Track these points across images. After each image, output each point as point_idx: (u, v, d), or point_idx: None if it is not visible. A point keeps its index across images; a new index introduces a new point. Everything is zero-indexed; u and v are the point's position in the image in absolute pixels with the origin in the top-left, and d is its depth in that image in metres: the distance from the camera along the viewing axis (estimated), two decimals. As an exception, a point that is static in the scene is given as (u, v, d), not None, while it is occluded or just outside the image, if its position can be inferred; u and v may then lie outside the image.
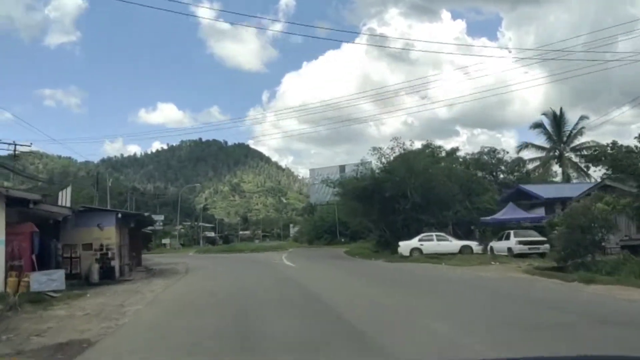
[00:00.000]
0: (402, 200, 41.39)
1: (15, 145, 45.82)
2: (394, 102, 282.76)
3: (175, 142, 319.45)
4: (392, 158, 45.32)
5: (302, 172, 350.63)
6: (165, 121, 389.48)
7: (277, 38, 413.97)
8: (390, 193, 41.74)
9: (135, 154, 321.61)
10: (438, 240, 37.05)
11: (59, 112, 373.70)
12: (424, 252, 35.90)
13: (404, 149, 45.58)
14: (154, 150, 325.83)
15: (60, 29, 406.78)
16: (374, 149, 47.08)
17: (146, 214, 41.65)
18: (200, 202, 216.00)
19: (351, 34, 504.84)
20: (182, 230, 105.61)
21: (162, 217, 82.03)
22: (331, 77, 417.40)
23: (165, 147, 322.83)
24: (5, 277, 18.04)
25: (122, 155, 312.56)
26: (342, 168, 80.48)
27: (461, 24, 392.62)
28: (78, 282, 23.17)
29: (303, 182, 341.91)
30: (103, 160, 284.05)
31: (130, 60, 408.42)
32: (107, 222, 26.61)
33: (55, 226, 25.11)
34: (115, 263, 26.45)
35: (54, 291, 18.43)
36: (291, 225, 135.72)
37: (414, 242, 37.39)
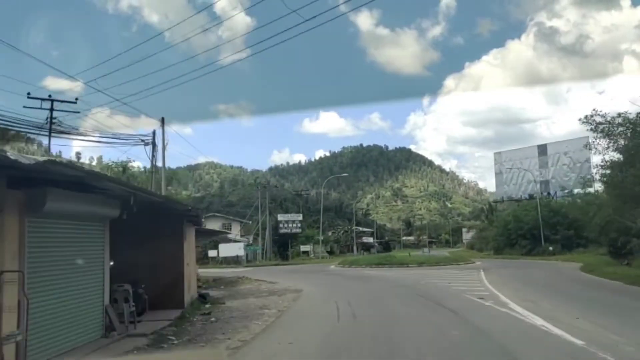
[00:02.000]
0: None
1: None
2: (566, 100, 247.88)
3: (337, 149, 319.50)
4: None
5: (467, 176, 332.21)
6: (327, 130, 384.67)
7: (438, 40, 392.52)
8: None
9: (300, 162, 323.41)
10: None
11: (232, 125, 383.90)
12: None
13: None
14: (317, 158, 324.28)
15: (232, 48, 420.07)
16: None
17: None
18: (362, 207, 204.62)
19: (517, 30, 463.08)
20: (333, 235, 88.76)
21: (299, 217, 65.68)
22: (496, 77, 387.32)
23: (327, 154, 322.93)
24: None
25: (288, 163, 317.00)
26: (542, 149, 59.21)
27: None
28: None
29: (469, 186, 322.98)
30: (270, 169, 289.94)
31: (293, 73, 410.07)
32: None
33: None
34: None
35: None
36: (464, 230, 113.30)
37: None
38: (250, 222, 70.62)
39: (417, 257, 49.32)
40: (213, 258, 62.46)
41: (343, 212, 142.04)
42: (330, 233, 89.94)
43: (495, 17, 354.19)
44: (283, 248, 66.92)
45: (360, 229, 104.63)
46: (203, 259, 64.16)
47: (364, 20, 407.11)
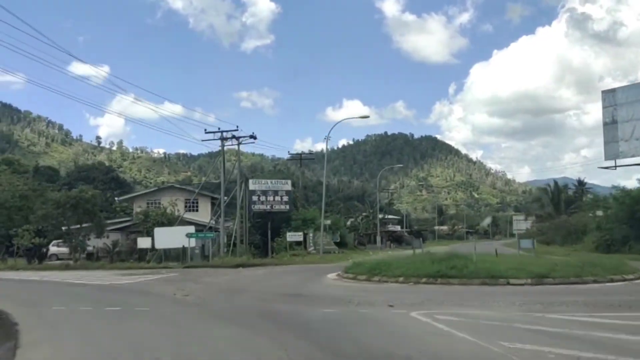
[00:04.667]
0: None
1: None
2: (598, 89, 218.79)
3: (360, 137, 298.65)
4: None
5: (493, 166, 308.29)
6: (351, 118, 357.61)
7: (466, 27, 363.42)
8: None
9: (322, 150, 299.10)
10: None
11: (255, 112, 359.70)
12: None
13: None
14: (339, 146, 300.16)
15: (256, 34, 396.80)
16: None
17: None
18: (385, 196, 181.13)
19: (548, 17, 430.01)
20: (354, 221, 62.24)
21: (286, 186, 38.08)
22: (525, 65, 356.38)
23: (351, 142, 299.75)
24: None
25: (310, 151, 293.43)
26: None
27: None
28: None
29: (496, 176, 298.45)
30: (292, 156, 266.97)
31: (317, 60, 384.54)
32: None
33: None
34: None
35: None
36: (516, 218, 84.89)
37: None
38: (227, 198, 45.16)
39: (508, 259, 22.81)
40: (146, 251, 37.11)
41: (365, 200, 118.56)
42: (349, 222, 64.20)
43: (525, 2, 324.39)
44: (267, 236, 41.01)
45: (386, 215, 78.24)
46: (125, 254, 38.69)
47: (390, 6, 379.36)
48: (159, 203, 47.05)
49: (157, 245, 36.03)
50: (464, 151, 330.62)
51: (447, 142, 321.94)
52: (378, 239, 58.99)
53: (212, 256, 36.74)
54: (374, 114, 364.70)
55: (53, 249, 44.19)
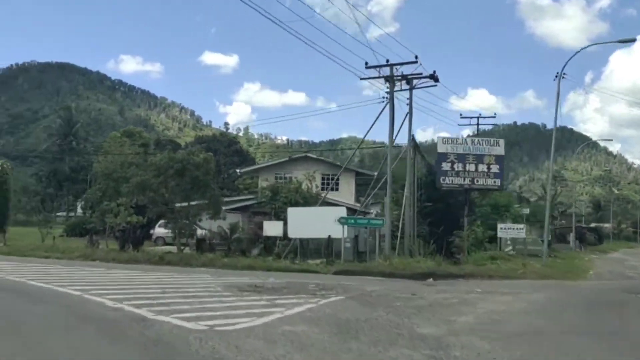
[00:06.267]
0: None
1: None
2: None
3: (487, 127, 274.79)
4: None
5: (635, 161, 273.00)
6: (476, 107, 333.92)
7: (606, 11, 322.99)
8: None
9: (426, 142, 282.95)
10: None
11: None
12: None
13: None
14: (464, 136, 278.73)
15: (380, 22, 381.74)
16: None
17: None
18: (515, 190, 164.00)
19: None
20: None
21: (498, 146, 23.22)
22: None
23: (476, 132, 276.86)
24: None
25: (432, 140, 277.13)
26: None
27: None
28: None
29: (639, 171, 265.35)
30: (397, 146, 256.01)
31: (442, 47, 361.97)
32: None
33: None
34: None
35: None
36: None
37: None
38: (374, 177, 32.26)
39: None
40: (274, 239, 25.11)
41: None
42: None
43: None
44: (445, 225, 27.12)
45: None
46: (245, 242, 26.92)
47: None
48: (290, 178, 35.20)
49: (292, 233, 23.73)
50: (602, 144, 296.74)
51: (585, 133, 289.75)
52: (572, 237, 43.03)
53: (369, 253, 23.69)
54: (500, 104, 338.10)
55: (159, 230, 33.73)
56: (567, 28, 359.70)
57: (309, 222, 23.36)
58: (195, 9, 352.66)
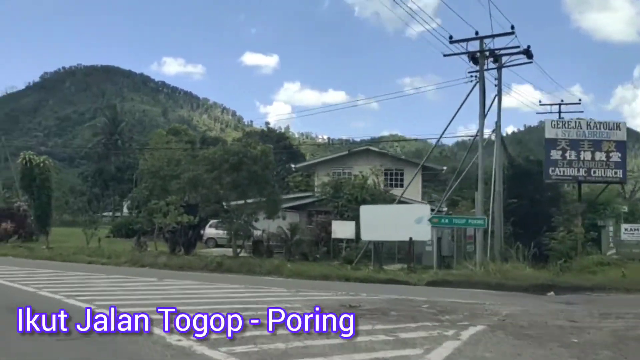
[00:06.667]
0: None
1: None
2: None
3: (532, 123, 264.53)
4: None
5: None
6: (518, 104, 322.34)
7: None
8: None
9: (490, 137, 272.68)
10: None
11: (417, 98, 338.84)
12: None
13: None
14: (509, 133, 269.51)
15: (422, 19, 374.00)
16: None
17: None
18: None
19: None
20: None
21: None
22: None
23: (521, 128, 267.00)
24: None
25: (506, 132, 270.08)
26: None
27: None
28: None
29: None
30: (457, 143, 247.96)
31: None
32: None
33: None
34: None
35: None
36: None
37: None
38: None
39: None
40: (339, 242, 21.95)
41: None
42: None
43: None
44: (530, 225, 23.29)
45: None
46: (306, 244, 23.86)
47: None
48: (349, 173, 31.94)
49: (365, 235, 20.45)
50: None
51: (635, 129, 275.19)
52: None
53: (455, 259, 20.19)
54: (545, 99, 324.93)
55: (210, 230, 30.97)
56: (614, 20, 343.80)
57: (385, 222, 20.01)
58: (236, 10, 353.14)
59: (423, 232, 19.55)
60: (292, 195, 30.75)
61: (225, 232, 25.20)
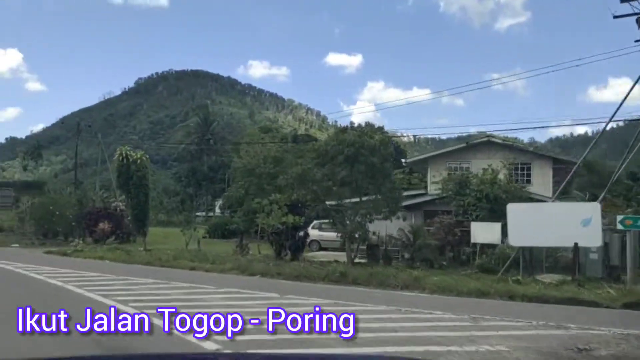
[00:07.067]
0: None
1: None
2: None
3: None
4: None
5: None
6: (617, 98, 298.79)
7: None
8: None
9: (585, 133, 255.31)
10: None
11: (505, 95, 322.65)
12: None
13: None
14: (607, 129, 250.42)
15: (510, 12, 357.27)
16: None
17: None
18: None
19: None
20: None
21: None
22: None
23: (620, 124, 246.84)
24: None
25: (571, 134, 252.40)
26: None
27: None
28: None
29: None
30: (550, 140, 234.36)
31: (578, 37, 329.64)
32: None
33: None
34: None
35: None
36: None
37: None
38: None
39: None
40: (476, 247, 18.22)
41: None
42: None
43: None
44: None
45: None
46: (430, 250, 20.24)
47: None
48: (466, 168, 28.06)
49: (515, 240, 16.67)
50: None
51: None
52: None
53: (630, 269, 15.96)
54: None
55: (313, 232, 28.08)
56: None
57: (540, 224, 16.14)
58: (319, 10, 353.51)
59: (592, 237, 15.52)
60: (405, 194, 27.28)
61: (337, 234, 22.17)
